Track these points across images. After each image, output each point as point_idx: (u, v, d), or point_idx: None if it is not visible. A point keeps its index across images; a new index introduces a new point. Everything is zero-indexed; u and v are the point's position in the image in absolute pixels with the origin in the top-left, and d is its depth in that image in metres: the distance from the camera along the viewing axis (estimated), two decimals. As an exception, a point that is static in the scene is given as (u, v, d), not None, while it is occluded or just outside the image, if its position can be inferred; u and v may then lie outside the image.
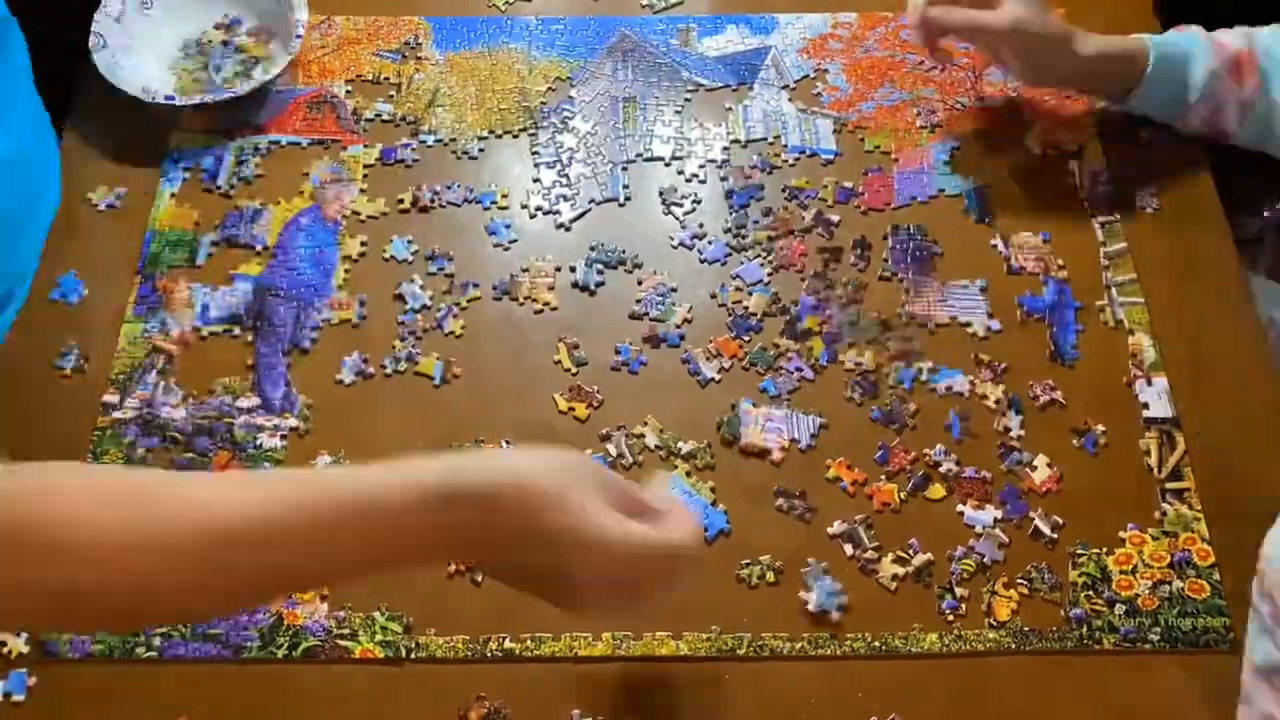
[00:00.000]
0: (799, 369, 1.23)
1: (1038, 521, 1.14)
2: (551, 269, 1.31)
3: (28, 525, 0.75)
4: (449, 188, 1.36)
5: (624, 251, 1.32)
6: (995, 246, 1.32)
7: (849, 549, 1.13)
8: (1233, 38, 1.30)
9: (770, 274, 1.30)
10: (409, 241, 1.32)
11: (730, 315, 1.27)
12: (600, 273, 1.30)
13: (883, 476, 1.17)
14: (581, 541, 0.82)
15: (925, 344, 1.25)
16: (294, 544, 0.79)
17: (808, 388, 1.23)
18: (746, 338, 1.26)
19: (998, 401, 1.21)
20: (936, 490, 1.16)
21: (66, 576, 0.75)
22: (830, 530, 1.14)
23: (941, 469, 1.17)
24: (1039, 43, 1.28)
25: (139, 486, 0.81)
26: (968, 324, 1.27)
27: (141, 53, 1.43)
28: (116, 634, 1.07)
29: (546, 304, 1.28)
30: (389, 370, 1.23)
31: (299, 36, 1.42)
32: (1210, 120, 1.32)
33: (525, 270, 1.30)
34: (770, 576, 1.12)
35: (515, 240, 1.33)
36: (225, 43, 1.47)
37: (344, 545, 0.80)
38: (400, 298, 1.28)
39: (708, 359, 1.24)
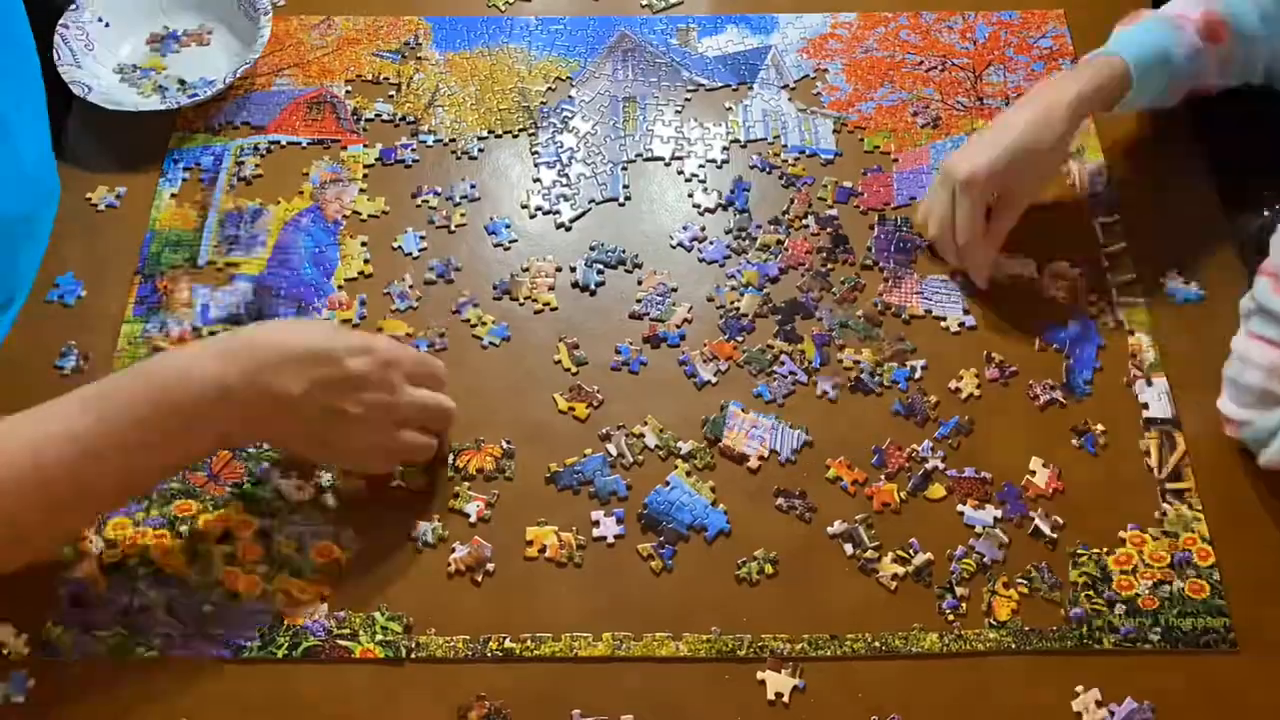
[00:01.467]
0: (792, 372, 1.23)
1: (1038, 521, 1.14)
2: (552, 268, 1.31)
3: None
4: (449, 198, 1.37)
5: (624, 251, 1.32)
6: (1031, 277, 1.31)
7: (849, 548, 1.13)
8: (1186, 5, 1.29)
9: (778, 273, 1.31)
10: (421, 236, 1.33)
11: (723, 317, 1.27)
12: (600, 272, 1.30)
13: (882, 477, 1.17)
14: (352, 336, 1.08)
15: (911, 338, 1.26)
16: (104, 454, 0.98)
17: (801, 390, 1.23)
18: (740, 339, 1.26)
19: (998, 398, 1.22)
20: (936, 490, 1.16)
21: None
22: (830, 530, 1.14)
23: (939, 468, 1.17)
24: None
25: None
26: (942, 318, 1.27)
27: (102, 71, 1.44)
28: None
29: (547, 304, 1.28)
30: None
31: (263, 38, 1.44)
32: (1195, 89, 1.32)
33: (525, 270, 1.30)
34: (769, 569, 1.12)
35: (515, 240, 1.33)
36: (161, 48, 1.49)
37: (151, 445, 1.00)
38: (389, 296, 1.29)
39: (704, 361, 1.24)
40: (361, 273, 1.29)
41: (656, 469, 1.18)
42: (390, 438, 1.10)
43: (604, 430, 1.19)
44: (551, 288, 1.29)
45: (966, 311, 1.28)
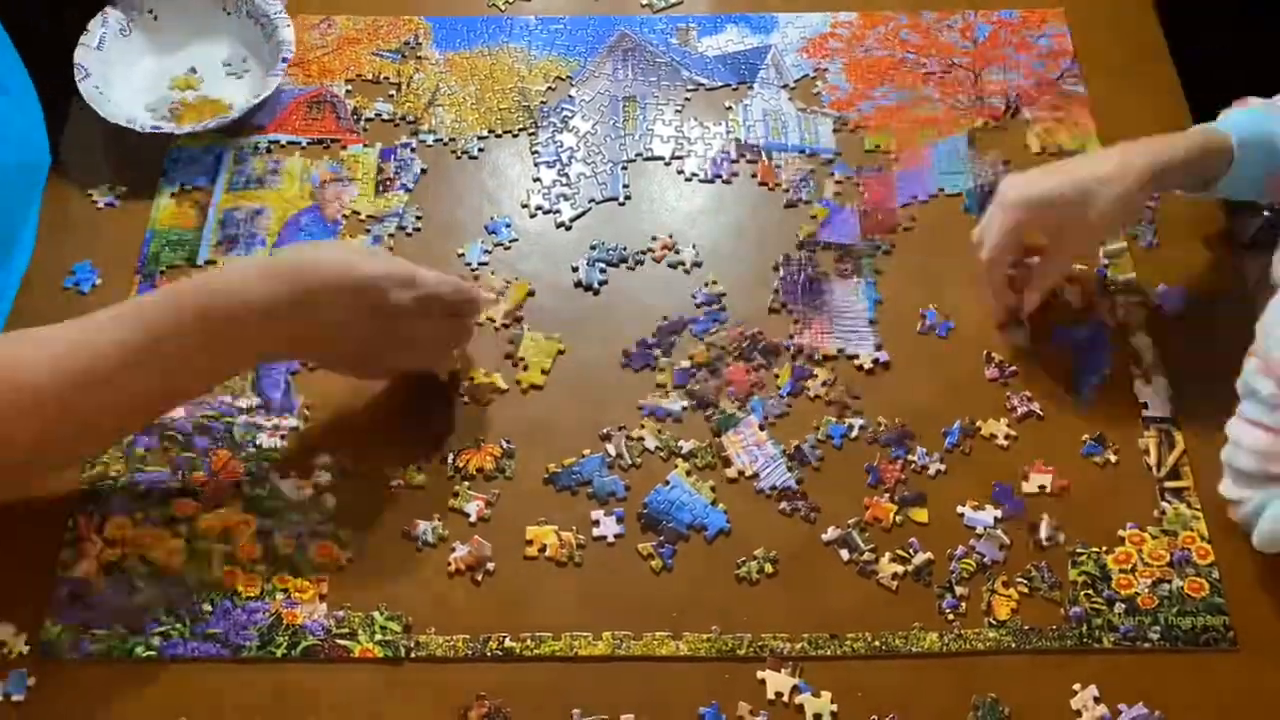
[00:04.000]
0: (782, 393, 1.24)
1: (1038, 521, 1.14)
2: (501, 283, 1.31)
3: None
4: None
5: (625, 249, 1.32)
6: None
7: (845, 554, 1.13)
8: None
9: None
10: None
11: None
12: (602, 271, 1.30)
13: (879, 499, 1.17)
14: (399, 266, 1.10)
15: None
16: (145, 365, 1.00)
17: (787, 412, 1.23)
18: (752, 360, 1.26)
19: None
20: (935, 503, 1.16)
21: None
22: (824, 537, 1.14)
23: (933, 474, 1.18)
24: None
25: None
26: (854, 356, 1.25)
27: (118, 85, 1.42)
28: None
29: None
30: (389, 370, 1.23)
31: (285, 60, 1.42)
32: None
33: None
34: (769, 568, 1.12)
35: (516, 239, 1.33)
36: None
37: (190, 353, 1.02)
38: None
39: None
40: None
41: (656, 470, 1.18)
42: (428, 357, 1.19)
43: (604, 430, 1.19)
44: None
45: (879, 348, 1.26)
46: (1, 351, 1.00)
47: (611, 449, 1.18)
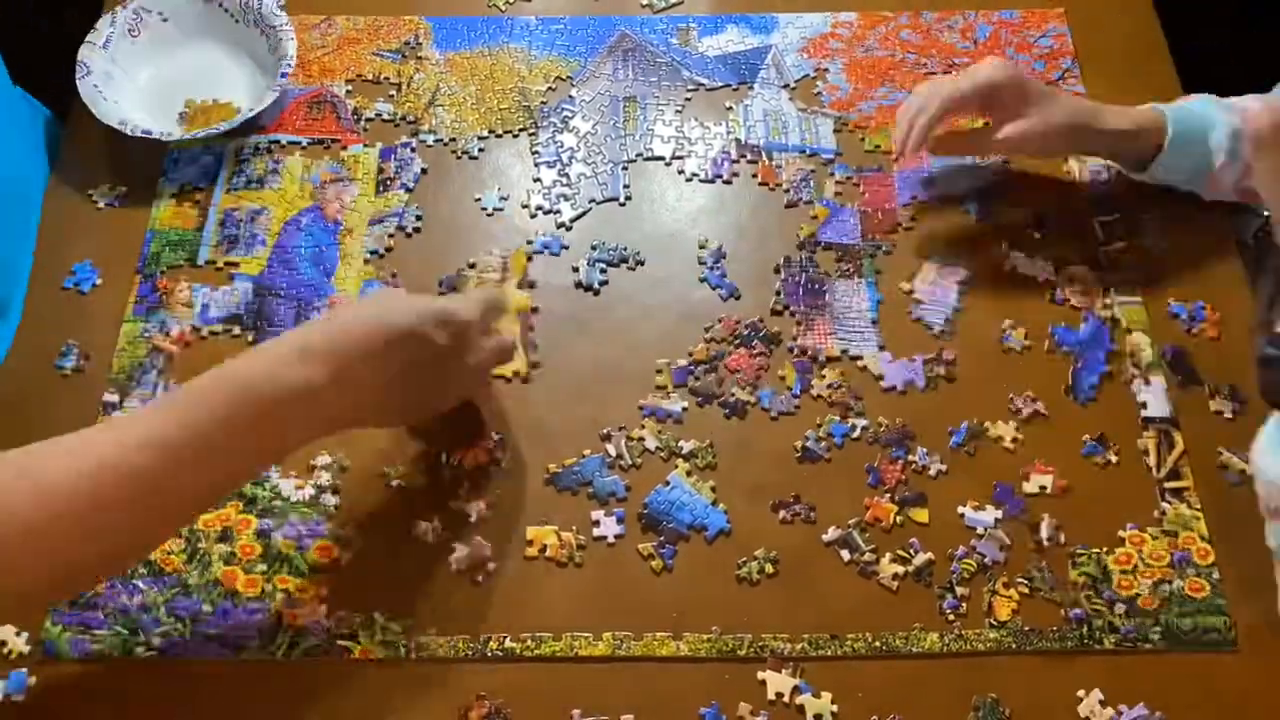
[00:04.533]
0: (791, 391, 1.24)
1: (1038, 521, 1.14)
2: (499, 263, 1.31)
3: None
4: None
5: (625, 249, 1.32)
6: (1045, 279, 1.31)
7: (845, 554, 1.13)
8: (1251, 100, 1.25)
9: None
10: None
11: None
12: (603, 271, 1.30)
13: (879, 499, 1.17)
14: (435, 312, 1.05)
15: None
16: (218, 450, 0.95)
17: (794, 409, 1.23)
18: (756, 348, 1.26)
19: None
20: (935, 503, 1.16)
21: None
22: (825, 537, 1.14)
23: (934, 474, 1.18)
24: (1058, 140, 1.29)
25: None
26: (858, 357, 1.26)
27: (122, 86, 1.42)
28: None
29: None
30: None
31: (284, 74, 1.41)
32: (1244, 183, 1.27)
33: (471, 265, 1.31)
34: (769, 569, 1.12)
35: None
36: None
37: (238, 443, 0.96)
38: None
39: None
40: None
41: (657, 470, 1.18)
42: (473, 385, 1.16)
43: (604, 430, 1.19)
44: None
45: (882, 348, 1.26)
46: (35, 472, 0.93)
47: (612, 449, 1.18)
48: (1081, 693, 1.06)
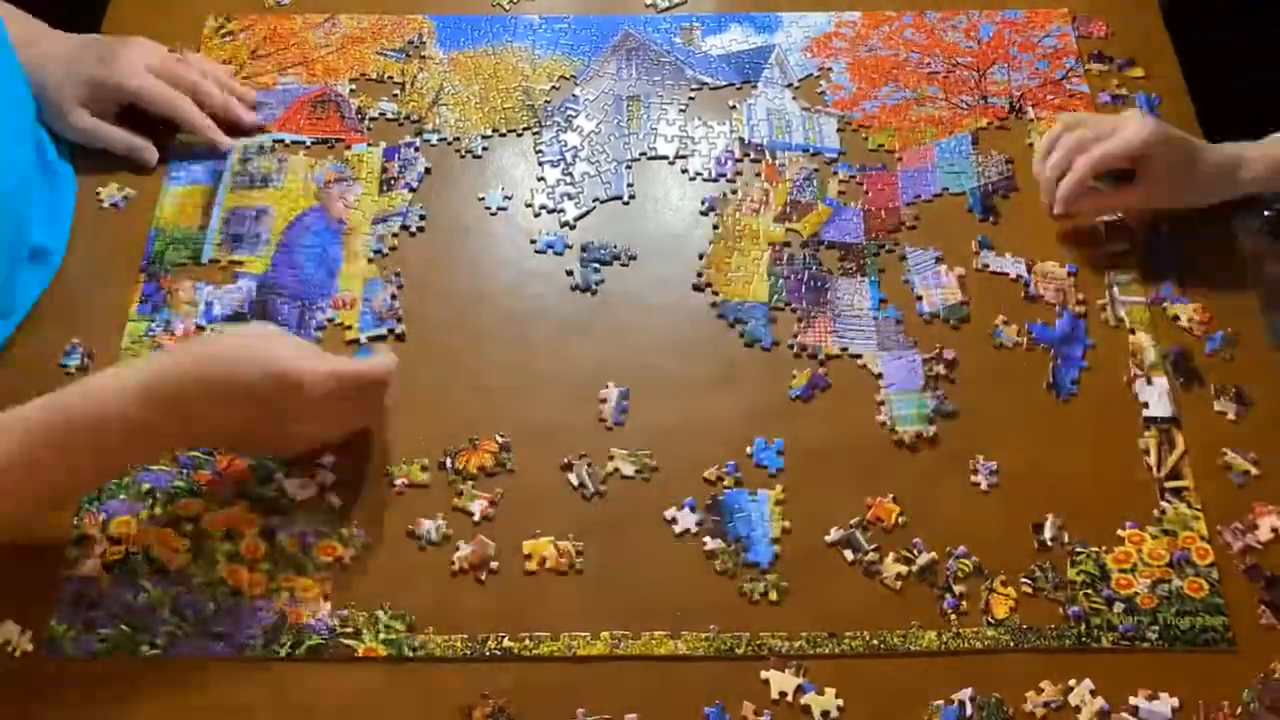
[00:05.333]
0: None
1: (1042, 521, 1.15)
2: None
3: None
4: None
5: (616, 246, 1.33)
6: (1018, 276, 1.31)
7: (849, 554, 1.14)
8: None
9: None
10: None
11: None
12: (597, 270, 1.31)
13: (881, 499, 1.17)
14: (284, 378, 1.06)
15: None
16: (41, 466, 1.03)
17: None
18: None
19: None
20: (935, 502, 1.17)
21: None
22: (828, 538, 1.14)
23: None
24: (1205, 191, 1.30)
25: None
26: (858, 355, 1.26)
27: None
28: None
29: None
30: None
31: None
32: None
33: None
34: (774, 595, 1.12)
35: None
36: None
37: (81, 458, 1.04)
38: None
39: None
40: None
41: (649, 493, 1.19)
42: (321, 441, 1.17)
43: (564, 460, 1.19)
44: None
45: (881, 346, 1.27)
46: None
47: (573, 478, 1.18)
48: (1072, 681, 1.06)
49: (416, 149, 1.40)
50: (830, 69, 1.48)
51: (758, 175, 1.39)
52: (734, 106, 1.45)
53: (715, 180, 1.39)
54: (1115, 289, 1.29)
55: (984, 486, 1.17)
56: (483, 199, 1.36)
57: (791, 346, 1.26)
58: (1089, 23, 1.51)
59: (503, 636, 1.08)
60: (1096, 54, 1.48)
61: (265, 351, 1.07)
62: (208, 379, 1.05)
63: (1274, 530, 1.13)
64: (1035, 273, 1.31)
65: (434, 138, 1.41)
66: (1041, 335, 1.27)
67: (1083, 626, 1.09)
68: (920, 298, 1.29)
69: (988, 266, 1.31)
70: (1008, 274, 1.31)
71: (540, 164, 1.40)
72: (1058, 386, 1.24)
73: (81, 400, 1.04)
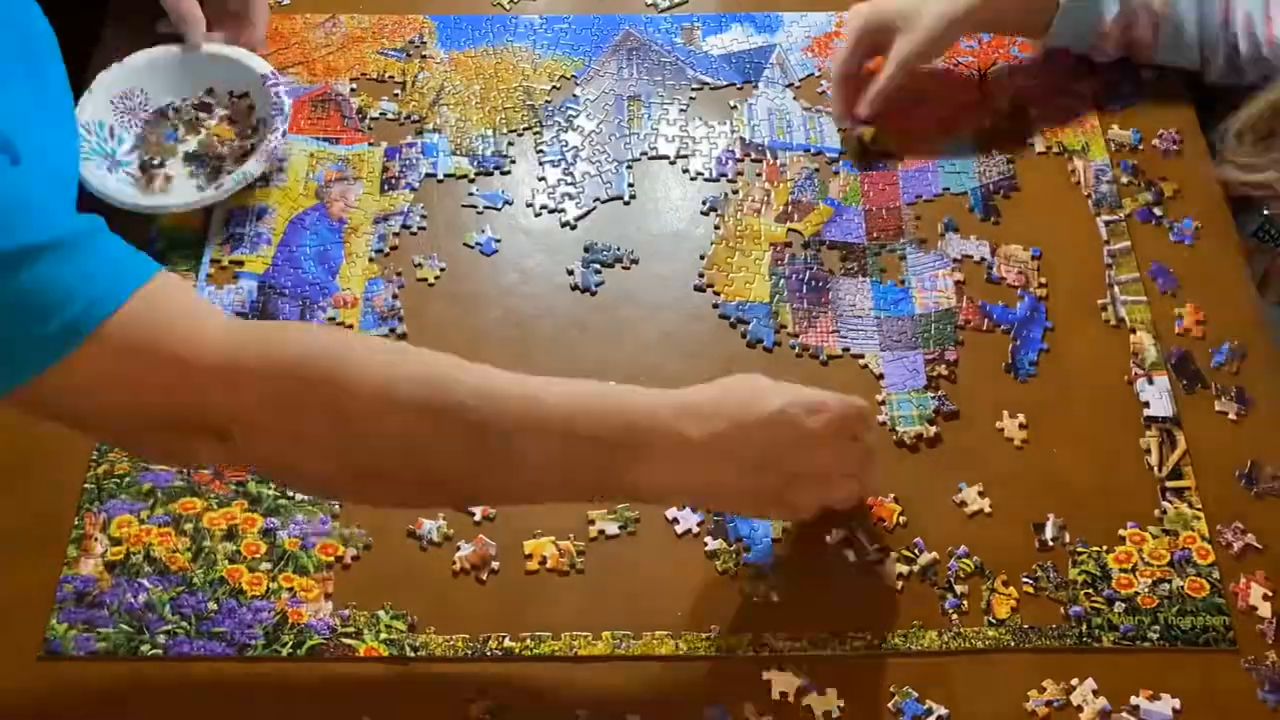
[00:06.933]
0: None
1: (1043, 521, 1.15)
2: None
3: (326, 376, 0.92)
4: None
5: (619, 248, 1.33)
6: (981, 258, 1.32)
7: (850, 554, 1.14)
8: None
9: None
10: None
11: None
12: (598, 272, 1.31)
13: (881, 498, 1.17)
14: (807, 403, 1.00)
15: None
16: (576, 448, 0.96)
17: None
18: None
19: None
20: (934, 501, 1.17)
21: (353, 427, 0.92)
22: (828, 539, 1.14)
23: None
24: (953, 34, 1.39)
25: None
26: (860, 356, 1.26)
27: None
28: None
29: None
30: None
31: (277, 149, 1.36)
32: (1125, 38, 1.39)
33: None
34: (774, 596, 1.12)
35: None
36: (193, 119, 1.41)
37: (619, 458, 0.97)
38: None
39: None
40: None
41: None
42: (829, 490, 1.07)
43: None
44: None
45: (883, 347, 1.27)
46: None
47: None
48: (1075, 680, 1.07)
49: (417, 150, 1.40)
50: (831, 68, 1.48)
51: (759, 175, 1.39)
52: (735, 106, 1.45)
53: (716, 180, 1.39)
54: (1116, 288, 1.29)
55: (983, 489, 1.17)
56: (484, 198, 1.36)
57: (793, 347, 1.26)
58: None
59: (503, 636, 1.09)
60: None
61: (775, 384, 1.02)
62: (739, 398, 1.00)
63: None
64: (999, 255, 1.32)
65: (435, 137, 1.41)
66: (1002, 317, 1.27)
67: (1084, 626, 1.09)
68: (922, 296, 1.29)
69: (947, 251, 1.33)
70: (971, 256, 1.32)
71: (541, 164, 1.40)
72: (1016, 368, 1.24)
73: (616, 400, 0.99)
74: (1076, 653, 1.08)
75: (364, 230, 1.33)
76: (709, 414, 0.98)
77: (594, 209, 1.36)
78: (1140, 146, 1.39)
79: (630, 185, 1.38)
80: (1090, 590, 1.11)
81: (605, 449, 0.96)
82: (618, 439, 0.96)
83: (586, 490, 1.04)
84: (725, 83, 1.47)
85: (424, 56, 1.49)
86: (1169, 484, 1.17)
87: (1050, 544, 1.13)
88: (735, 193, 1.37)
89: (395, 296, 1.28)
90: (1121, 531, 1.14)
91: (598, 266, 1.31)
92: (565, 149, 1.41)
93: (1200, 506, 1.15)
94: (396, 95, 1.45)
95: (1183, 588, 1.11)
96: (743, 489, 1.02)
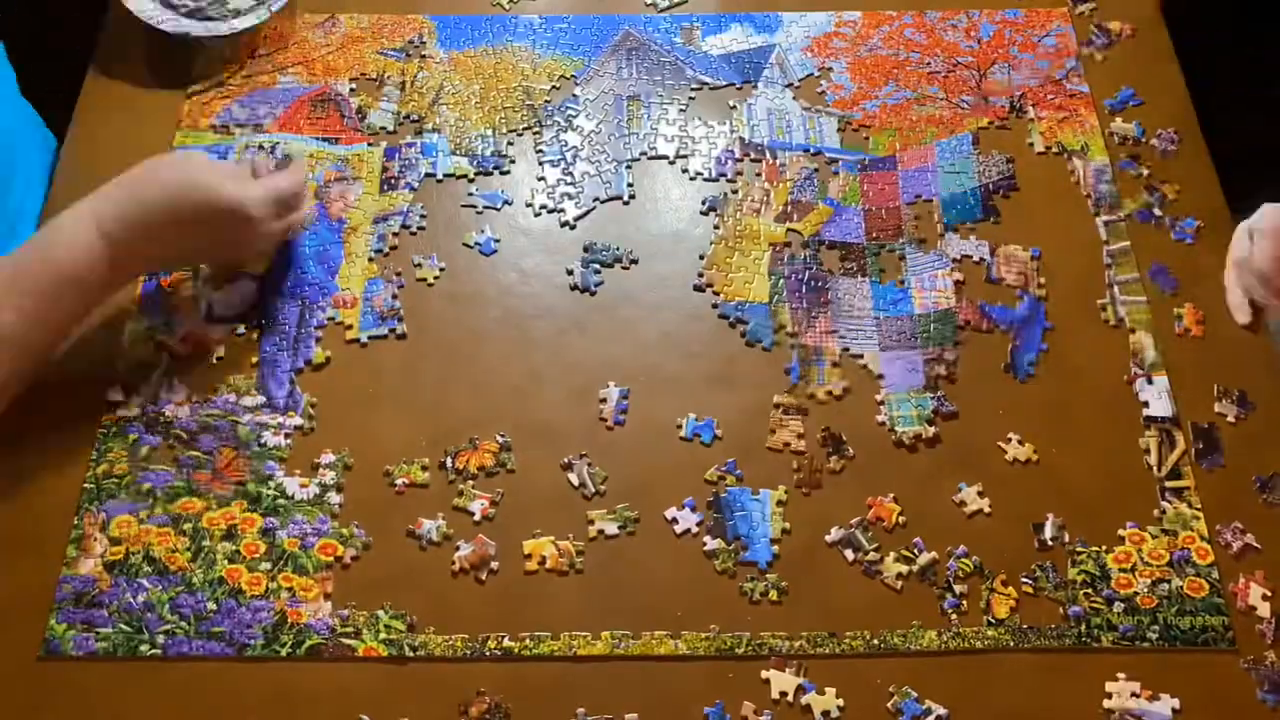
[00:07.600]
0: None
1: (1043, 521, 1.15)
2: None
3: None
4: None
5: (619, 249, 1.33)
6: (981, 259, 1.32)
7: (849, 554, 1.14)
8: None
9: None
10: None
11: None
12: (597, 272, 1.31)
13: (881, 498, 1.17)
14: (234, 213, 1.17)
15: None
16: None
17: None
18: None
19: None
20: (934, 500, 1.17)
21: None
22: (828, 538, 1.14)
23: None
24: None
25: None
26: (859, 355, 1.26)
27: None
28: None
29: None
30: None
31: None
32: None
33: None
34: (774, 595, 1.12)
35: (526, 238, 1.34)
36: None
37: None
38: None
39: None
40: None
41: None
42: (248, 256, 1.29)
43: (565, 460, 1.19)
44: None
45: (882, 347, 1.27)
46: None
47: (573, 478, 1.18)
48: (1079, 691, 1.07)
49: (417, 150, 1.40)
50: (831, 68, 1.48)
51: (758, 175, 1.39)
52: (734, 106, 1.45)
53: (715, 180, 1.39)
54: (1116, 288, 1.29)
55: (982, 488, 1.17)
56: (483, 198, 1.36)
57: (793, 346, 1.26)
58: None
59: (503, 636, 1.09)
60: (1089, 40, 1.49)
61: (203, 180, 1.16)
62: (166, 209, 1.15)
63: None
64: (998, 255, 1.32)
65: (434, 137, 1.41)
66: (1002, 317, 1.27)
67: (1083, 626, 1.09)
68: (921, 296, 1.29)
69: (947, 251, 1.33)
70: (970, 256, 1.32)
71: (540, 164, 1.39)
72: (1015, 368, 1.24)
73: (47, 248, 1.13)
74: (1076, 653, 1.08)
75: (363, 230, 1.33)
76: (138, 221, 1.14)
77: (593, 209, 1.36)
78: (1144, 139, 1.39)
79: (630, 185, 1.38)
80: (1089, 590, 1.11)
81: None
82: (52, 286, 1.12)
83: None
84: (725, 83, 1.47)
85: (424, 56, 1.48)
86: (1168, 484, 1.17)
87: (1049, 544, 1.14)
88: (735, 193, 1.37)
89: (395, 296, 1.28)
90: (1121, 531, 1.14)
91: (597, 266, 1.31)
92: (565, 149, 1.41)
93: (1199, 506, 1.15)
94: (396, 95, 1.44)
95: (1182, 588, 1.11)
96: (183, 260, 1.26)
